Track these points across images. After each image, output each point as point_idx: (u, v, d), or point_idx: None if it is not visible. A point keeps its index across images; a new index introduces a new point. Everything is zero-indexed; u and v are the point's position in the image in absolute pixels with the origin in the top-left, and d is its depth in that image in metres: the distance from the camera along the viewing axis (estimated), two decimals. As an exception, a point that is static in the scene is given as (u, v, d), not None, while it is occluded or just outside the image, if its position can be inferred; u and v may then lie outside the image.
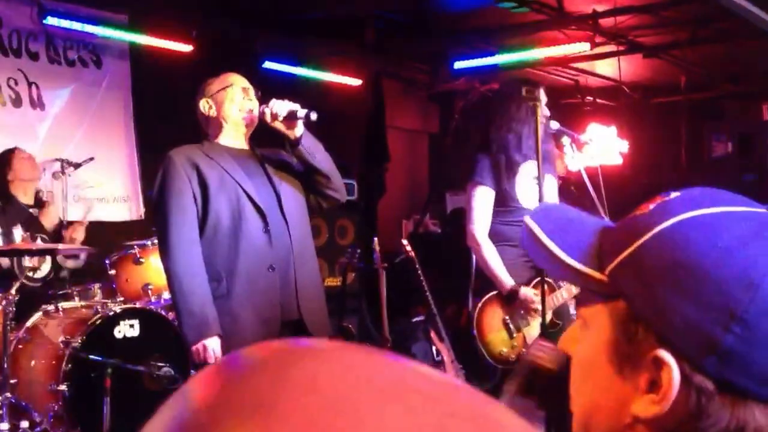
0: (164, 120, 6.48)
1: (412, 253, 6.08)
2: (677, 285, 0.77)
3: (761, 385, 0.74)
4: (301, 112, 3.18)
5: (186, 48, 6.53)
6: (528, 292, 3.94)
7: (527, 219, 0.91)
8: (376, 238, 6.50)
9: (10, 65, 5.97)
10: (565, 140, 4.00)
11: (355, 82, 7.76)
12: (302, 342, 0.41)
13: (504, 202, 3.98)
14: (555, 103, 8.54)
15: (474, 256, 4.05)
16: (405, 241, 6.23)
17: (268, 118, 3.22)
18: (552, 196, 4.10)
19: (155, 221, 3.27)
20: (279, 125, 3.23)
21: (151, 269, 5.08)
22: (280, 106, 3.19)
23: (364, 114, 8.07)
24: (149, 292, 4.99)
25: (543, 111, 3.88)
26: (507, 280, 3.93)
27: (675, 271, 0.77)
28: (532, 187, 3.97)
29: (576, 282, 0.87)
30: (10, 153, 5.33)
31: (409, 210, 8.74)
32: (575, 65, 8.30)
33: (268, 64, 7.02)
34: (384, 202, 8.23)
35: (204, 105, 3.37)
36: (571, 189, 5.63)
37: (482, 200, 3.97)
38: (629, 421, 0.80)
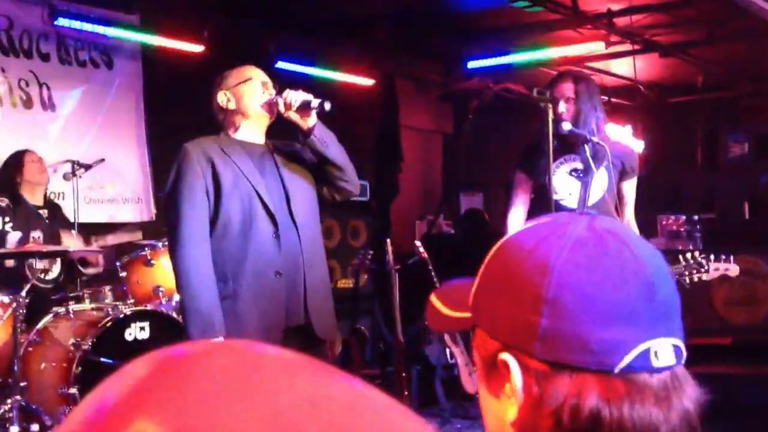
0: (175, 121, 6.45)
1: (425, 255, 6.03)
2: (496, 291, 0.90)
3: (582, 353, 0.81)
4: (315, 102, 3.13)
5: (198, 48, 6.50)
6: None
7: (432, 297, 1.06)
8: (388, 240, 6.45)
9: (21, 66, 5.95)
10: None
11: (368, 82, 7.71)
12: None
13: (542, 194, 3.92)
14: (570, 102, 8.51)
15: None
16: (418, 243, 6.18)
17: (281, 108, 3.18)
18: (599, 190, 3.97)
19: (166, 215, 3.20)
20: (293, 115, 3.18)
21: (162, 271, 5.04)
22: (295, 96, 3.15)
23: (377, 114, 8.03)
24: (160, 294, 4.95)
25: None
26: None
27: (494, 281, 0.91)
28: (572, 180, 3.91)
29: (456, 328, 1.03)
30: (21, 155, 5.32)
31: (422, 211, 8.69)
32: (590, 65, 8.23)
33: (281, 64, 6.98)
34: (397, 202, 8.19)
35: (222, 98, 3.29)
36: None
37: (518, 186, 4.00)
38: None
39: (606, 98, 9.19)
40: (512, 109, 7.92)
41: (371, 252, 6.85)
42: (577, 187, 3.92)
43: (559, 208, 3.90)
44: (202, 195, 3.09)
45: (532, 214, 3.95)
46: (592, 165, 3.89)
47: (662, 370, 0.82)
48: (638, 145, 8.31)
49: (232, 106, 3.27)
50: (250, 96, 3.27)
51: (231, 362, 0.44)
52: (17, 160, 5.29)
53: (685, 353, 0.86)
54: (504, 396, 0.87)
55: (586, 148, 3.89)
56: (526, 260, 0.86)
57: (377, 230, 7.29)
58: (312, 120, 3.19)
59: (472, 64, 7.67)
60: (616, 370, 0.81)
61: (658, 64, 8.20)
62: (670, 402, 0.82)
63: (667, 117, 9.19)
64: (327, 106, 3.13)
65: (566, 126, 3.85)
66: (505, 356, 0.86)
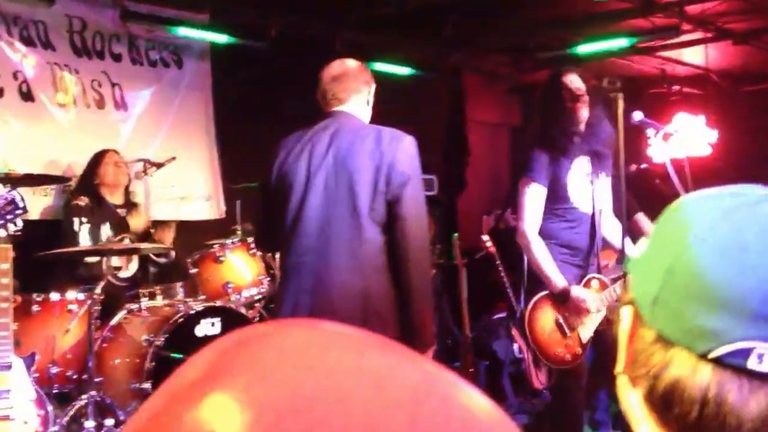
0: (244, 119, 6.52)
1: (493, 249, 5.98)
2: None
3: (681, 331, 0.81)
4: None
5: (264, 46, 6.54)
6: (580, 293, 3.85)
7: None
8: (456, 234, 6.42)
9: (94, 67, 6.08)
10: (650, 131, 3.87)
11: (435, 75, 7.67)
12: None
13: (556, 200, 3.88)
14: (641, 92, 8.34)
15: (525, 255, 3.96)
16: (485, 237, 6.13)
17: None
18: (605, 195, 3.99)
19: (420, 199, 3.15)
20: None
21: (232, 268, 5.11)
22: None
23: (444, 108, 7.98)
24: (229, 290, 5.01)
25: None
26: (558, 280, 3.84)
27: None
28: (585, 184, 3.88)
29: None
30: (101, 155, 5.45)
31: (489, 205, 8.61)
32: (661, 54, 8.04)
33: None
34: (464, 197, 8.14)
35: (371, 93, 3.38)
36: (656, 182, 5.45)
37: (534, 198, 3.88)
38: None
39: (678, 87, 8.98)
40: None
41: (438, 246, 6.83)
42: (589, 189, 3.91)
43: (577, 213, 3.90)
44: None
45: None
46: (605, 166, 3.92)
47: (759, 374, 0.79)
48: (711, 136, 8.10)
49: (371, 104, 3.39)
50: (370, 100, 3.41)
51: (301, 339, 0.46)
52: (96, 160, 5.42)
53: None
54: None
55: (602, 148, 3.90)
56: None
57: (444, 225, 7.26)
58: None
59: (541, 56, 7.55)
60: (710, 356, 0.79)
61: (731, 52, 7.97)
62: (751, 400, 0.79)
63: (741, 106, 8.92)
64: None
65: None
66: (624, 311, 0.89)
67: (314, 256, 3.10)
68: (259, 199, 3.48)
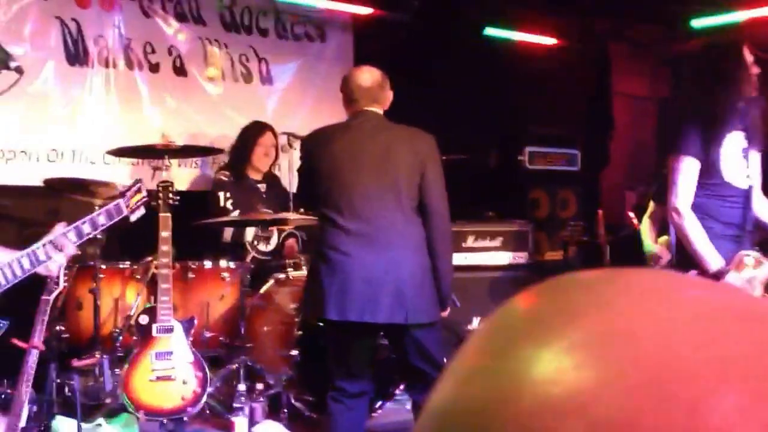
0: (385, 92, 6.52)
1: (638, 226, 5.77)
2: None
3: None
4: None
5: (407, 17, 6.51)
6: (734, 278, 3.63)
7: None
8: (600, 211, 6.24)
9: (242, 42, 6.22)
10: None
11: (580, 45, 7.44)
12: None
13: (708, 175, 3.67)
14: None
15: (674, 232, 3.77)
16: (631, 214, 5.92)
17: None
18: (756, 170, 3.76)
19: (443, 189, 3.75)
20: None
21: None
22: None
23: (588, 79, 7.75)
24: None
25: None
26: (713, 260, 3.62)
27: None
28: (739, 159, 3.67)
29: None
30: (259, 133, 5.55)
31: (633, 181, 8.33)
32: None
33: (490, 30, 6.88)
34: (607, 172, 7.89)
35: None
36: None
37: (687, 173, 3.67)
38: None
39: None
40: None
41: (581, 223, 6.66)
42: (743, 165, 3.68)
43: (730, 189, 3.69)
44: None
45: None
46: (757, 141, 3.71)
47: None
48: None
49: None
50: None
51: (647, 279, 0.45)
52: (253, 139, 5.53)
53: None
54: None
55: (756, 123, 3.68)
56: None
57: (587, 201, 7.06)
58: None
59: (696, 23, 7.17)
60: None
61: None
62: None
63: None
64: None
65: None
66: None
67: (364, 239, 3.53)
68: (302, 186, 4.02)
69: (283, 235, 5.54)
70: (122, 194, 2.64)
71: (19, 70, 2.18)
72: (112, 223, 2.53)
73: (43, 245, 2.32)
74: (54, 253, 2.33)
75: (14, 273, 2.26)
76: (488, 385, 0.40)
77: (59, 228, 2.39)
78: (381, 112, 3.79)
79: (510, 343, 0.41)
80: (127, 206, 2.62)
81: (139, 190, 2.74)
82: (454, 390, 0.42)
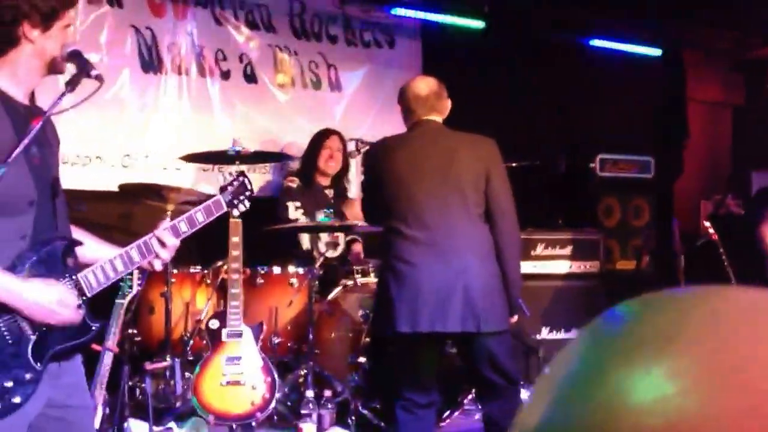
0: (453, 98, 6.48)
1: (716, 236, 5.61)
2: None
3: None
4: None
5: (478, 24, 6.46)
6: None
7: None
8: (675, 220, 6.10)
9: (312, 49, 6.26)
10: None
11: (653, 51, 7.29)
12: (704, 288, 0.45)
13: None
14: None
15: None
16: (707, 223, 5.77)
17: None
18: None
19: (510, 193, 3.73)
20: None
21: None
22: None
23: (661, 86, 7.59)
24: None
25: None
26: None
27: None
28: None
29: None
30: (324, 136, 5.58)
31: (708, 190, 8.13)
32: None
33: (560, 36, 6.79)
34: (681, 180, 7.72)
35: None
36: None
37: None
38: None
39: None
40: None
41: (655, 232, 6.53)
42: None
43: None
44: None
45: None
46: None
47: None
48: None
49: None
50: None
51: (731, 304, 0.43)
52: (320, 143, 5.55)
53: None
54: None
55: None
56: None
57: (660, 210, 6.91)
58: None
59: (773, 29, 6.98)
60: None
61: None
62: None
63: None
64: None
65: None
66: None
67: (431, 248, 3.49)
68: (367, 199, 3.92)
69: (347, 240, 5.54)
70: (223, 189, 2.65)
71: (99, 79, 2.21)
72: (211, 219, 2.54)
73: (150, 238, 2.36)
74: (159, 248, 2.36)
75: (125, 264, 2.31)
76: (584, 412, 0.38)
77: (165, 223, 2.42)
78: (440, 120, 3.77)
79: (607, 364, 0.39)
80: (228, 202, 2.63)
81: (242, 184, 2.74)
82: (548, 412, 0.39)
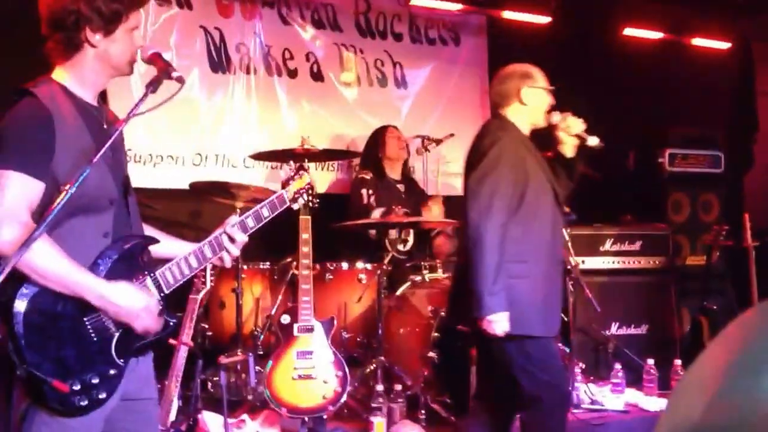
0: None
1: (789, 231, 5.49)
2: None
3: None
4: (592, 140, 3.44)
5: (545, 20, 6.42)
6: None
7: None
8: (746, 214, 5.97)
9: (377, 47, 6.31)
10: None
11: (723, 45, 7.16)
12: None
13: None
14: None
15: None
16: (780, 218, 5.64)
17: (559, 123, 3.47)
18: None
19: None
20: (567, 138, 3.49)
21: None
22: (575, 124, 3.45)
23: (732, 80, 7.44)
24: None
25: None
26: None
27: None
28: None
29: None
30: (383, 131, 5.64)
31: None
32: None
33: (629, 31, 6.71)
34: (752, 174, 7.56)
35: (528, 93, 3.44)
36: None
37: None
38: None
39: None
40: None
41: (726, 227, 6.40)
42: None
43: None
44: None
45: None
46: None
47: None
48: None
49: (527, 103, 3.44)
50: (541, 106, 3.47)
51: None
52: (379, 136, 5.62)
53: None
54: None
55: None
56: None
57: (731, 204, 6.78)
58: (570, 151, 3.51)
59: None
60: None
61: None
62: None
63: None
64: (593, 142, 3.43)
65: None
66: None
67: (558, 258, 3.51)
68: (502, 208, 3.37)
69: (433, 233, 5.56)
70: (285, 184, 2.68)
71: (180, 80, 2.25)
72: (276, 213, 2.58)
73: (221, 234, 2.41)
74: (228, 244, 2.41)
75: (199, 261, 2.36)
76: (744, 407, 0.37)
77: (233, 219, 2.47)
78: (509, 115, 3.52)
79: (763, 360, 0.37)
80: (291, 197, 2.66)
81: (302, 177, 2.76)
82: (703, 406, 0.39)
